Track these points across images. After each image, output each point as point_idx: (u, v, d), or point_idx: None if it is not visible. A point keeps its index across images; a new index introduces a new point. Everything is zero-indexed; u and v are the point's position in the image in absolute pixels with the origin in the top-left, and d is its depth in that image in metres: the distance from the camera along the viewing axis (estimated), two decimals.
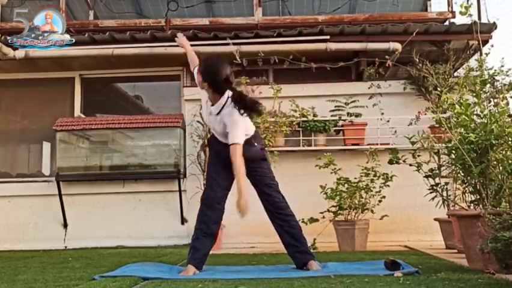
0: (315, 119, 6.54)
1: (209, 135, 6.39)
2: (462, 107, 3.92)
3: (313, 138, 6.56)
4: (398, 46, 6.45)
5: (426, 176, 4.27)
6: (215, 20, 7.56)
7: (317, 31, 6.71)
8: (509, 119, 3.87)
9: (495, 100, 4.05)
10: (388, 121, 6.20)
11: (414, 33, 6.42)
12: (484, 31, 6.46)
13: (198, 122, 6.62)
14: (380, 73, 6.52)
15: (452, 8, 7.34)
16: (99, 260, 4.71)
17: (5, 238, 6.75)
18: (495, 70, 4.22)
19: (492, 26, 6.52)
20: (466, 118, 3.92)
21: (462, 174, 4.05)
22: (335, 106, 6.65)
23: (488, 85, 4.12)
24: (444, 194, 4.31)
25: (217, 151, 3.82)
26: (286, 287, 2.93)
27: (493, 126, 3.73)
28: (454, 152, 3.99)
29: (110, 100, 8.00)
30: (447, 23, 7.23)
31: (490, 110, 3.95)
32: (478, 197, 3.91)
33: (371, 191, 5.64)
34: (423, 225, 6.32)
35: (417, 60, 6.22)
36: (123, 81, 7.73)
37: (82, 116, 7.31)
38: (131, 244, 6.55)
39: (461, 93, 4.12)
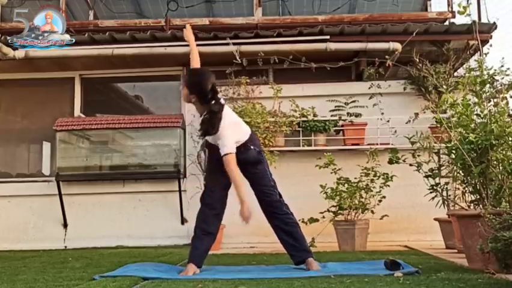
0: (315, 119, 6.54)
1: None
2: (462, 107, 3.93)
3: (313, 138, 6.56)
4: (398, 46, 6.45)
5: (426, 176, 4.27)
6: (215, 20, 7.57)
7: (317, 31, 6.70)
8: (509, 119, 3.87)
9: (495, 100, 4.05)
10: (388, 121, 6.20)
11: (414, 33, 6.42)
12: (484, 31, 6.46)
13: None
14: (380, 73, 6.52)
15: (452, 8, 7.35)
16: (99, 260, 4.71)
17: (5, 238, 6.75)
18: (495, 70, 4.21)
19: (492, 26, 6.52)
20: (466, 118, 3.92)
21: (462, 174, 4.05)
22: (335, 106, 6.65)
23: (488, 85, 4.11)
24: (444, 194, 4.30)
25: (213, 154, 3.80)
26: (286, 287, 2.93)
27: (493, 126, 3.73)
28: (453, 152, 3.99)
29: (110, 100, 8.00)
30: (447, 22, 7.23)
31: (490, 110, 3.95)
32: (478, 197, 3.91)
33: (371, 191, 5.64)
34: (423, 225, 6.31)
35: (417, 60, 6.21)
36: (123, 81, 7.72)
37: (82, 116, 7.30)
38: (131, 244, 6.55)
39: (465, 93, 4.11)
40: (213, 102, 3.65)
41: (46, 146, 7.52)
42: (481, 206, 3.82)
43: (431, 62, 6.40)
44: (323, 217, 5.65)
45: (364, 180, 5.66)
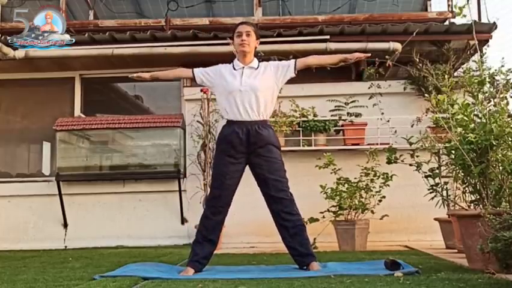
0: (315, 119, 6.54)
1: (210, 134, 6.46)
2: (462, 107, 3.92)
3: (313, 138, 6.56)
4: (398, 46, 6.45)
5: (426, 176, 4.26)
6: (215, 20, 7.57)
7: (317, 31, 6.70)
8: (509, 119, 3.87)
9: (495, 100, 4.05)
10: (388, 121, 6.19)
11: (415, 33, 6.40)
12: (484, 31, 6.46)
13: (197, 122, 6.62)
14: (380, 73, 6.51)
15: (452, 7, 7.34)
16: (99, 260, 4.71)
17: (5, 238, 6.75)
18: (494, 70, 4.21)
19: (492, 26, 6.52)
20: (465, 118, 3.92)
21: (462, 174, 4.05)
22: (335, 106, 6.65)
23: (487, 85, 4.11)
24: (444, 194, 4.30)
25: (236, 140, 3.67)
26: (286, 287, 2.92)
27: (492, 126, 3.73)
28: (453, 152, 3.99)
29: (110, 100, 8.00)
30: (447, 22, 7.23)
31: (489, 110, 3.95)
32: (478, 197, 3.90)
33: (371, 191, 5.64)
34: (423, 225, 6.31)
35: (417, 60, 6.21)
36: (123, 81, 7.72)
37: (82, 116, 7.31)
38: (131, 244, 6.55)
39: (463, 93, 4.11)
40: None
41: (46, 146, 7.52)
42: (481, 206, 3.82)
43: (431, 62, 6.39)
44: (323, 217, 5.65)
45: (364, 180, 5.66)
